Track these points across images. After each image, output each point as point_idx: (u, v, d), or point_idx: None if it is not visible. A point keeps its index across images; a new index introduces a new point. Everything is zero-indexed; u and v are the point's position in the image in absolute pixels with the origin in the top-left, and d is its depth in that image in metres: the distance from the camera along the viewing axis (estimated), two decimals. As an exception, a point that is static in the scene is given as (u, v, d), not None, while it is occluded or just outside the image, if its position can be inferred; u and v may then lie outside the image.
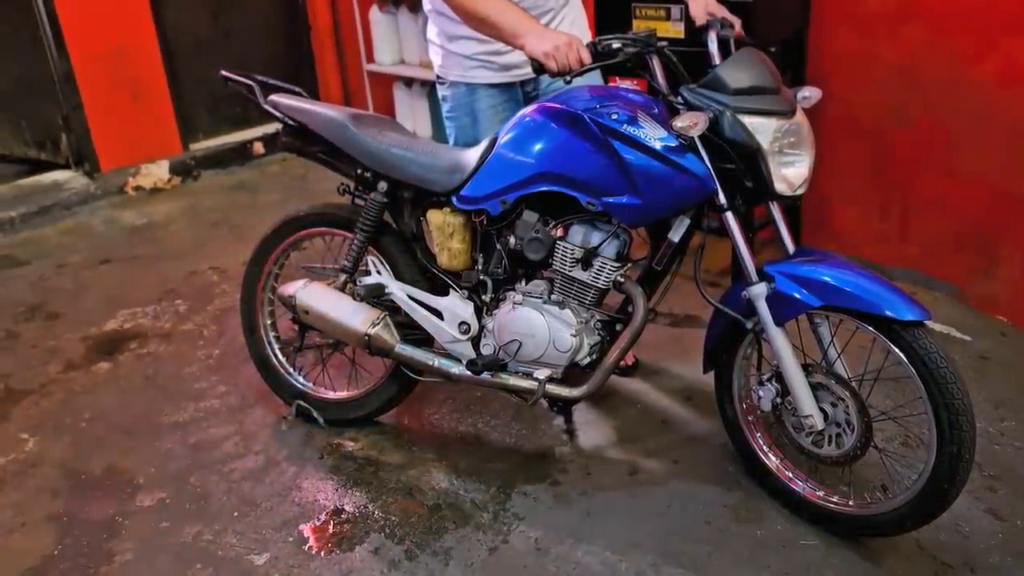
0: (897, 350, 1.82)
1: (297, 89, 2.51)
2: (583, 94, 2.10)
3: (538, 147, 2.08)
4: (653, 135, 1.94)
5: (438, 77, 2.55)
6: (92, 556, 2.14)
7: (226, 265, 3.71)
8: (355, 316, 2.30)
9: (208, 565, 2.08)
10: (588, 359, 2.19)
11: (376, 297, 2.31)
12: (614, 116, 1.98)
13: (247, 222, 4.16)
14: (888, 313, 1.79)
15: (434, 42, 2.50)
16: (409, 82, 4.76)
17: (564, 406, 2.55)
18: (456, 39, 2.39)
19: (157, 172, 4.79)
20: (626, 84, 2.18)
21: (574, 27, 2.47)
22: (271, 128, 5.30)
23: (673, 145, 1.92)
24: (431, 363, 2.28)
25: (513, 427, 2.53)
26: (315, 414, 2.55)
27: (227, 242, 3.97)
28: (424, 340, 2.36)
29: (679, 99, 1.95)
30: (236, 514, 2.25)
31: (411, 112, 4.75)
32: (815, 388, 1.96)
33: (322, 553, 2.09)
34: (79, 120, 4.60)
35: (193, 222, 4.33)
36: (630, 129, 1.96)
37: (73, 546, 2.18)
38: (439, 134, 4.63)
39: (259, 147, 5.21)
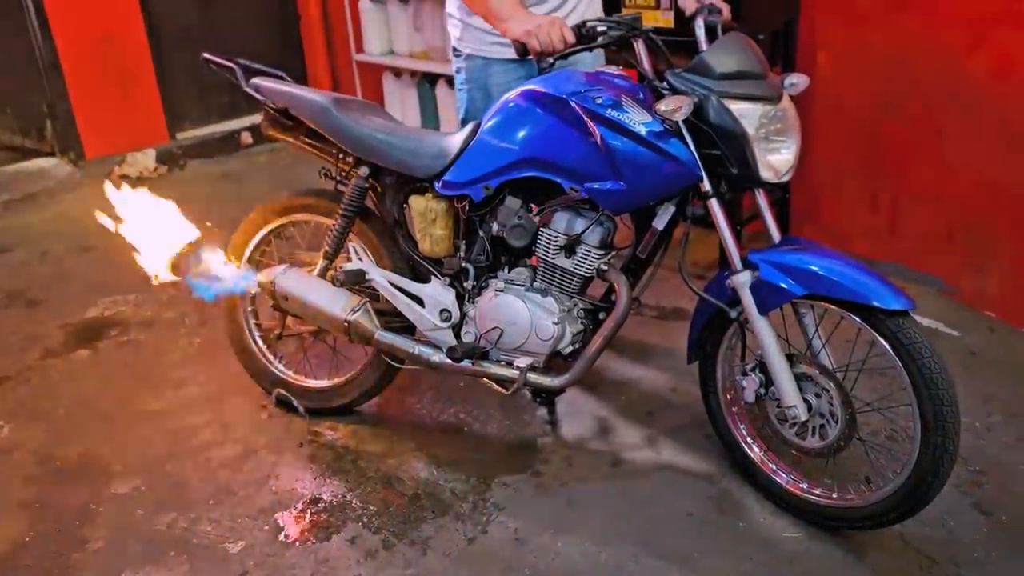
0: (882, 340, 1.80)
1: (280, 73, 2.48)
2: (569, 78, 2.07)
3: (522, 132, 2.05)
4: (637, 119, 1.91)
5: (454, 49, 2.52)
6: (64, 543, 2.10)
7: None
8: (335, 303, 2.26)
9: (182, 553, 2.05)
10: (571, 348, 2.16)
11: (357, 283, 2.28)
12: (598, 100, 1.95)
13: (233, 212, 4.09)
14: (873, 302, 1.77)
15: (453, 15, 2.48)
16: (398, 72, 4.72)
17: (547, 396, 2.52)
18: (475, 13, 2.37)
19: (143, 161, 4.75)
20: (611, 70, 2.14)
21: (587, 13, 2.45)
22: (259, 118, 5.25)
23: (658, 130, 1.89)
24: (411, 351, 2.25)
25: (495, 417, 2.50)
26: (295, 403, 2.51)
27: (212, 232, 3.91)
28: (406, 328, 2.32)
29: (664, 84, 1.92)
30: (212, 502, 2.21)
31: (400, 103, 4.72)
32: (799, 379, 1.93)
33: (298, 542, 2.06)
34: (64, 107, 4.55)
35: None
36: (614, 113, 1.93)
37: (45, 533, 2.14)
38: (428, 126, 4.59)
39: (247, 137, 5.17)
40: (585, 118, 1.95)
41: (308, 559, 2.00)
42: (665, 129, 1.90)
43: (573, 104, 1.97)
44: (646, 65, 1.96)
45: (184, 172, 4.88)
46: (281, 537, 2.08)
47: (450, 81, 4.35)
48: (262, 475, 2.30)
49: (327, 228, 2.40)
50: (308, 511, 2.16)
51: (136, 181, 4.69)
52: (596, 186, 1.98)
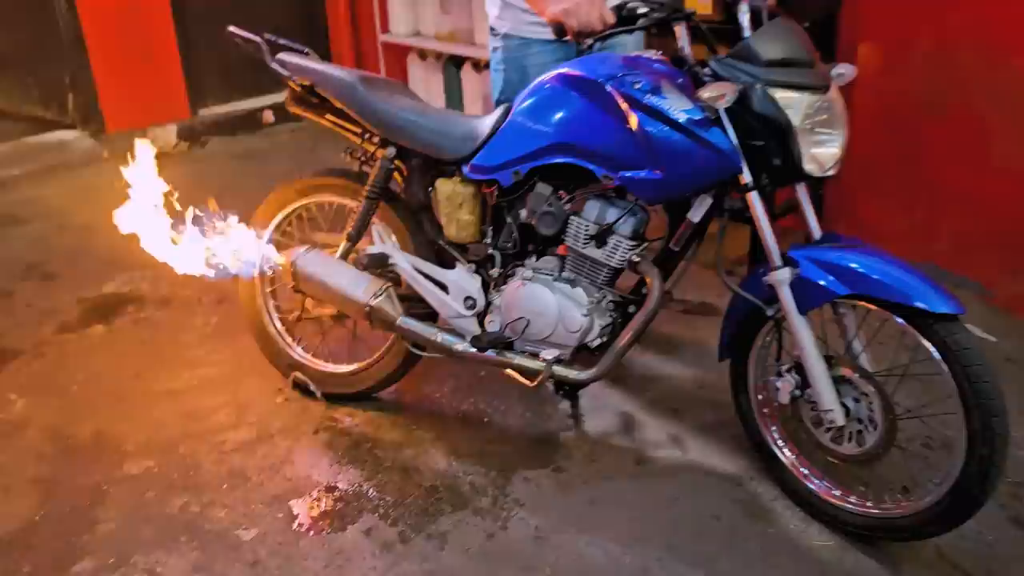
0: (929, 344, 1.72)
1: (305, 49, 2.41)
2: (605, 62, 2.00)
3: (555, 116, 1.98)
4: (677, 106, 1.83)
5: (491, 28, 2.45)
6: (74, 523, 2.06)
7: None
8: (357, 286, 2.20)
9: (193, 538, 2.00)
10: (598, 341, 2.09)
11: (379, 267, 2.22)
12: (637, 85, 1.87)
13: (253, 191, 4.03)
14: (920, 305, 1.68)
15: None
16: (424, 54, 4.64)
17: (570, 390, 2.45)
18: None
19: (164, 136, 4.70)
20: (649, 54, 2.06)
21: None
22: (282, 96, 5.19)
23: (698, 118, 1.82)
24: (434, 338, 2.19)
25: (517, 410, 2.43)
26: (312, 387, 2.45)
27: (232, 210, 3.86)
28: (428, 314, 2.26)
29: (706, 70, 1.84)
30: (225, 486, 2.16)
31: (425, 85, 4.64)
32: (837, 382, 1.85)
33: (312, 532, 2.00)
34: (86, 80, 4.51)
35: (198, 189, 4.22)
36: (653, 99, 1.85)
37: (55, 512, 2.10)
38: (453, 109, 4.52)
39: (269, 115, 5.12)
40: (622, 103, 1.87)
41: (322, 549, 1.95)
42: (706, 117, 1.82)
43: (610, 88, 1.89)
44: (687, 49, 1.88)
45: (205, 149, 4.83)
46: (295, 525, 2.03)
47: (476, 64, 4.28)
48: (277, 460, 2.25)
49: (350, 210, 2.34)
50: (323, 500, 2.10)
51: (156, 157, 4.63)
52: (631, 175, 1.91)
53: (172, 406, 2.50)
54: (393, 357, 2.36)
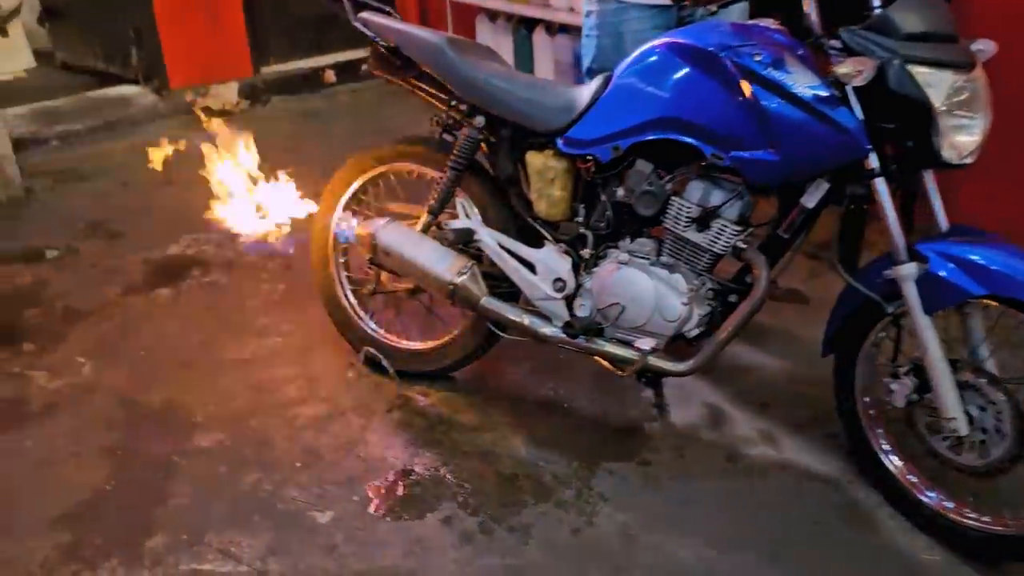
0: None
1: (387, 8, 2.29)
2: (718, 31, 1.85)
3: (661, 88, 1.85)
4: (803, 82, 1.69)
5: None
6: (146, 495, 2.01)
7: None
8: (441, 262, 2.10)
9: (267, 518, 1.93)
10: (696, 331, 1.96)
11: (464, 243, 2.11)
12: (757, 57, 1.72)
13: (317, 152, 3.96)
14: (1069, 309, 1.53)
15: None
16: (494, 15, 4.47)
17: (653, 378, 2.33)
18: None
19: (226, 94, 4.62)
20: (766, 23, 1.91)
21: None
22: (344, 56, 5.09)
23: (825, 95, 1.67)
24: (521, 320, 2.08)
25: (596, 396, 2.32)
26: (385, 363, 2.37)
27: (295, 172, 3.79)
28: (508, 294, 2.15)
29: (834, 42, 1.68)
30: (298, 465, 2.09)
31: (493, 49, 4.47)
32: (961, 388, 1.71)
33: (389, 517, 1.92)
34: (151, 35, 4.43)
35: (261, 148, 4.15)
36: (775, 73, 1.70)
37: (127, 482, 2.05)
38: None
39: (331, 75, 5.02)
40: (739, 77, 1.72)
41: (400, 536, 1.87)
42: (833, 94, 1.67)
43: (725, 60, 1.75)
44: (815, 18, 1.71)
45: (266, 108, 4.74)
46: (371, 510, 1.95)
47: (549, 27, 4.11)
48: (350, 439, 2.17)
49: (431, 180, 2.23)
50: (400, 483, 2.02)
51: (218, 114, 4.57)
52: (744, 155, 1.77)
53: (241, 376, 2.44)
54: (472, 336, 2.26)
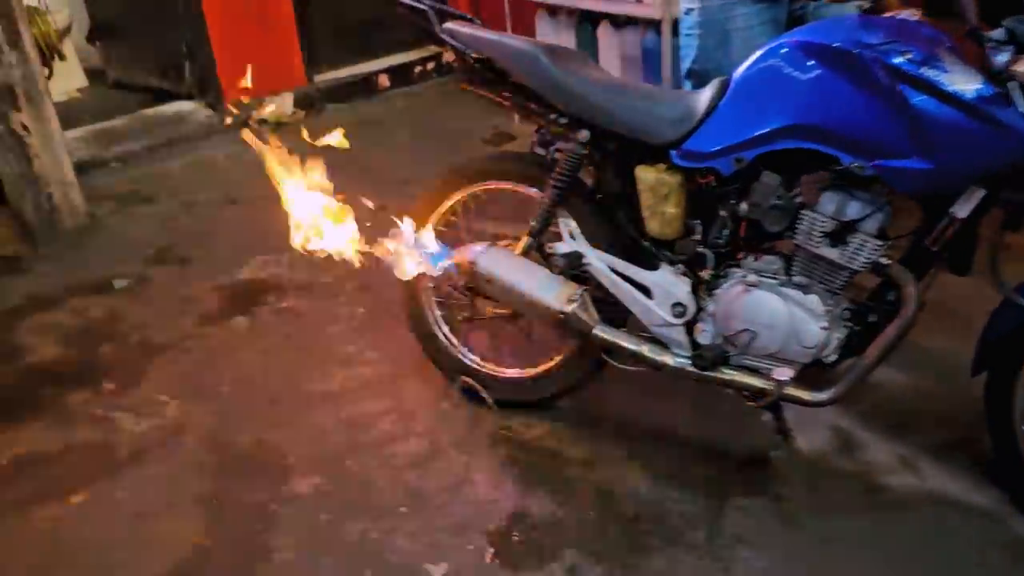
0: None
1: (470, 16, 2.15)
2: (854, 26, 1.67)
3: (793, 93, 1.68)
4: (963, 81, 1.51)
5: None
6: (248, 550, 1.90)
7: (361, 211, 3.40)
8: (549, 290, 1.95)
9: (380, 571, 1.81)
10: (834, 356, 1.80)
11: (573, 269, 1.96)
12: (908, 55, 1.55)
13: (379, 162, 3.83)
14: None
15: None
16: (554, 11, 4.30)
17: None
18: None
19: (282, 105, 4.52)
20: (907, 15, 1.73)
21: None
22: (396, 60, 4.96)
23: (989, 94, 1.49)
24: (639, 349, 1.93)
25: (707, 421, 2.17)
26: (483, 393, 2.23)
27: (361, 185, 3.66)
28: (614, 319, 2.00)
29: (994, 33, 1.50)
30: (404, 510, 1.97)
31: (553, 45, 4.31)
32: None
33: (509, 569, 1.79)
34: (204, 49, 4.34)
35: (325, 160, 4.04)
36: (929, 73, 1.53)
37: (226, 536, 1.94)
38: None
39: (384, 80, 4.90)
40: (887, 78, 1.55)
41: (524, 590, 1.74)
42: (997, 93, 1.49)
43: (869, 60, 1.57)
44: (971, 9, 1.54)
45: (322, 117, 4.63)
46: (488, 559, 1.82)
47: (615, 21, 3.94)
48: (455, 479, 2.04)
49: (528, 200, 2.08)
50: (516, 528, 1.89)
51: (275, 126, 4.47)
52: (892, 163, 1.60)
53: (331, 411, 2.32)
54: (577, 362, 2.12)
